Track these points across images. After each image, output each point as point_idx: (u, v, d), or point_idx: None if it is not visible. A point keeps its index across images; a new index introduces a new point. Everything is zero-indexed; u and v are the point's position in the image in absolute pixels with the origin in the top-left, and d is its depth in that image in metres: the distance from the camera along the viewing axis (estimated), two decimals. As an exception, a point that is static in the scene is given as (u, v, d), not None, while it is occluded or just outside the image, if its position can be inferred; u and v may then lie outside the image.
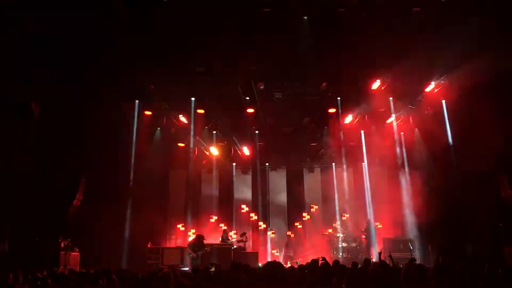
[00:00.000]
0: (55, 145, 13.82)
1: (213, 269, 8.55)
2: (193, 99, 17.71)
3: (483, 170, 14.13)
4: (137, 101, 17.34)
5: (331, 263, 9.22)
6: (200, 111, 18.21)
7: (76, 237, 14.66)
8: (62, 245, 14.11)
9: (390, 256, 11.22)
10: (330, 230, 19.62)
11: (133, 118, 17.27)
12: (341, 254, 17.51)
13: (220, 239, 17.28)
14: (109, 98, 15.18)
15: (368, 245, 17.42)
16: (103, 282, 5.98)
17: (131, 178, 16.56)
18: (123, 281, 5.93)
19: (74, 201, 15.26)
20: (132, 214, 16.64)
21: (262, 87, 16.52)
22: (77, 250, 14.73)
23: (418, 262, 11.14)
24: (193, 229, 18.30)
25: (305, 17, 14.10)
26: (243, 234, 18.12)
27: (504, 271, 7.23)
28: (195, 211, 20.13)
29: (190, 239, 16.29)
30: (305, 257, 17.96)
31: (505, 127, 12.58)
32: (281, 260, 19.31)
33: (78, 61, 13.30)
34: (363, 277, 7.47)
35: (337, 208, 20.98)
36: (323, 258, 9.52)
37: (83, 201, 15.46)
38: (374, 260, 14.87)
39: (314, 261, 8.99)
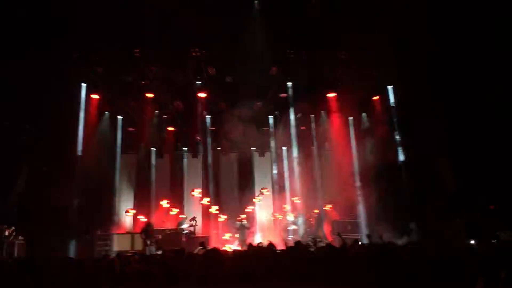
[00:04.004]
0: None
1: (159, 252, 8.58)
2: (142, 82, 17.30)
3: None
4: (84, 84, 16.77)
5: (282, 245, 9.33)
6: (149, 95, 17.86)
7: (20, 225, 14.16)
8: (6, 233, 13.63)
9: (339, 234, 11.72)
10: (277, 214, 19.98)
11: (80, 101, 16.66)
12: (290, 236, 17.79)
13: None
14: (55, 80, 14.63)
15: (316, 227, 17.80)
16: (40, 270, 5.86)
17: (78, 163, 16.07)
18: (65, 269, 5.83)
19: (17, 188, 14.72)
20: (80, 199, 16.19)
21: (213, 71, 16.38)
22: (22, 238, 14.25)
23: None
24: (142, 215, 18.09)
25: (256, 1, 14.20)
26: (193, 219, 18.12)
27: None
28: (145, 196, 19.91)
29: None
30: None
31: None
32: (234, 244, 19.46)
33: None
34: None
35: (287, 191, 21.26)
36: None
37: (27, 187, 14.93)
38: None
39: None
